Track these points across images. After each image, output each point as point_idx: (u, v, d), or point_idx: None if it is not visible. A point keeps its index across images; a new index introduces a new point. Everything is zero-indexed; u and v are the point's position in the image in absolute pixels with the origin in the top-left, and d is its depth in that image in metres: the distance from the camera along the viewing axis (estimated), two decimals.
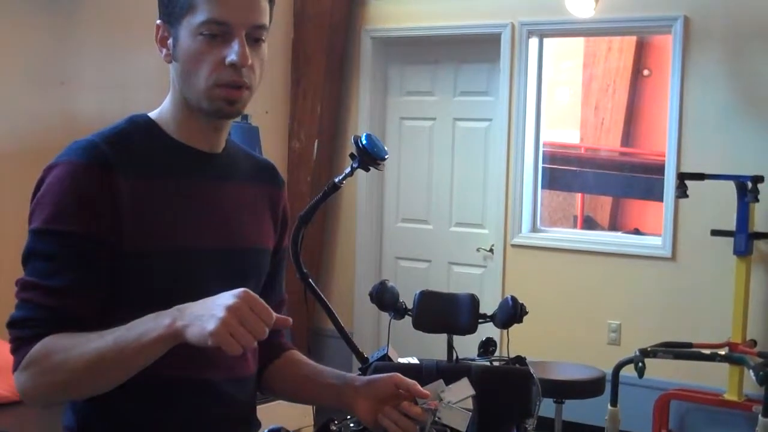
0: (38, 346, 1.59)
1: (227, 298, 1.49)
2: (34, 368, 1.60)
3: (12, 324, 1.64)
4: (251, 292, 1.50)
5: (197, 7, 1.68)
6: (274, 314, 1.52)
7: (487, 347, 3.11)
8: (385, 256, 6.85)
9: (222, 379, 1.74)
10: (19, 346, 1.62)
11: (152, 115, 1.80)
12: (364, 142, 2.97)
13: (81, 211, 1.63)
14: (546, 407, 3.46)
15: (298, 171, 6.64)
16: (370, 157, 2.98)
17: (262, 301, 1.51)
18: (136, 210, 1.66)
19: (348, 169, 3.08)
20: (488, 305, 3.28)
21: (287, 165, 6.66)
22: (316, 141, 6.64)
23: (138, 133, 1.75)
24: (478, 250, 6.38)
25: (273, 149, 6.31)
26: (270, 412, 3.36)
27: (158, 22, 1.76)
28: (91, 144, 1.68)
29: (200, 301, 1.53)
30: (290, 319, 1.59)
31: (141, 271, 1.67)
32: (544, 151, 6.34)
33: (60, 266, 1.62)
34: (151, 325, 1.54)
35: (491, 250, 6.30)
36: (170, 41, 1.74)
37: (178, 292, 1.68)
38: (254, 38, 1.71)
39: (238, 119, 5.59)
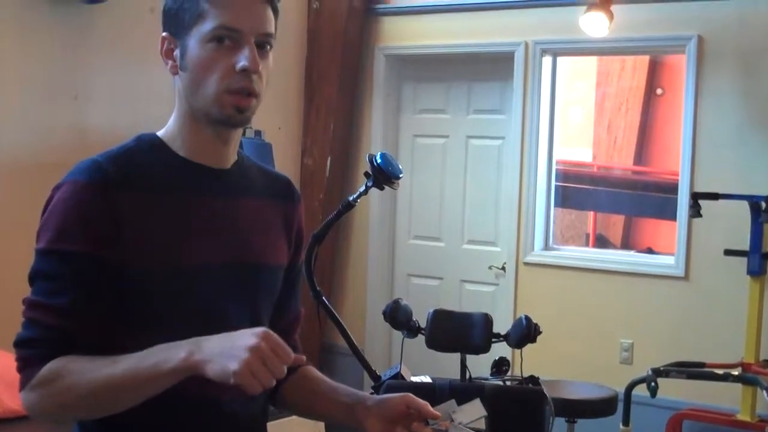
0: (48, 368, 1.61)
1: (249, 337, 1.51)
2: (43, 389, 1.61)
3: (19, 344, 1.65)
4: (272, 333, 1.53)
5: (207, 16, 1.69)
6: (292, 354, 1.54)
7: (501, 366, 3.10)
8: (397, 273, 6.84)
9: (230, 397, 1.73)
10: (26, 366, 1.63)
11: (160, 133, 1.80)
12: (379, 161, 2.97)
13: (82, 230, 1.64)
14: (558, 427, 3.44)
15: (310, 188, 6.63)
16: (385, 176, 2.98)
17: (281, 340, 1.54)
18: (137, 229, 1.67)
19: (362, 188, 3.08)
20: (500, 323, 3.28)
21: (300, 182, 6.65)
22: (329, 158, 6.64)
23: (143, 151, 1.76)
24: (490, 267, 6.36)
25: (286, 166, 6.31)
26: (281, 429, 3.36)
27: (164, 34, 1.77)
28: (93, 164, 1.69)
29: (219, 337, 1.55)
30: (304, 357, 1.62)
31: (144, 290, 1.67)
32: (556, 169, 6.33)
33: (63, 286, 1.63)
34: (165, 355, 1.55)
35: (503, 268, 6.28)
36: (176, 52, 1.75)
37: (183, 311, 1.70)
38: (262, 46, 1.73)
39: (252, 135, 5.66)
